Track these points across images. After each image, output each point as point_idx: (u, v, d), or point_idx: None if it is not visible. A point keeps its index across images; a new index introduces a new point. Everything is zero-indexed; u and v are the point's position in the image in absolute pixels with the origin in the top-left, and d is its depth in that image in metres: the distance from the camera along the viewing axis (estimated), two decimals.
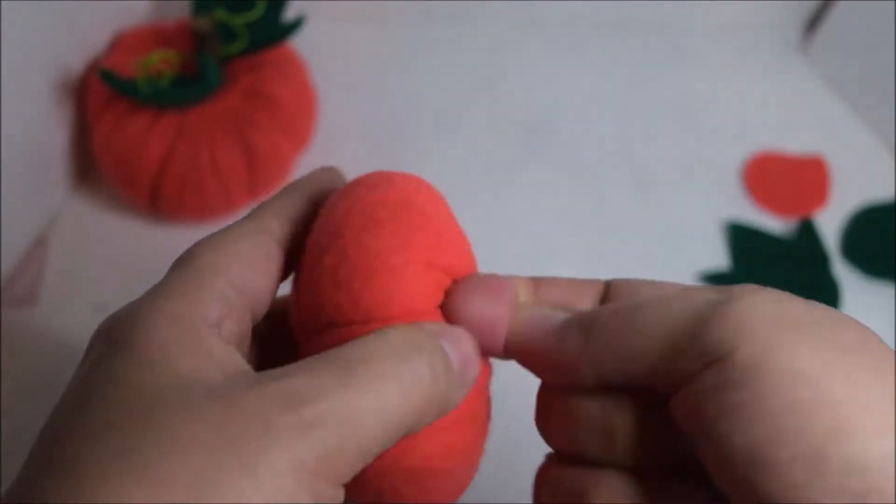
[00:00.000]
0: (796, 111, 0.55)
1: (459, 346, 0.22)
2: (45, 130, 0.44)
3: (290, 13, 0.45)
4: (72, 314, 0.43)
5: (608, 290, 0.24)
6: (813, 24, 0.58)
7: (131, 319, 0.20)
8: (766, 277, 0.46)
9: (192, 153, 0.42)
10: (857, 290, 0.47)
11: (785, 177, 0.51)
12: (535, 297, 0.24)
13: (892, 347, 0.19)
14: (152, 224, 0.47)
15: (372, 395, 0.19)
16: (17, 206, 0.42)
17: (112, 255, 0.45)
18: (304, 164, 0.48)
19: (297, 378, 0.18)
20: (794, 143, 0.53)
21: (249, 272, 0.22)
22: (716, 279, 0.46)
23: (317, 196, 0.25)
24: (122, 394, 0.18)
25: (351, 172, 0.49)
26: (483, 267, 0.24)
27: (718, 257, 0.48)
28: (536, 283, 0.25)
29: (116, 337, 0.20)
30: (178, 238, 0.46)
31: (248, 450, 0.17)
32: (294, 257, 0.24)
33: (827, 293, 0.46)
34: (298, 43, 0.47)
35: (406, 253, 0.22)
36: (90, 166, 0.48)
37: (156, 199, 0.44)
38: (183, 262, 0.22)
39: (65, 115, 0.45)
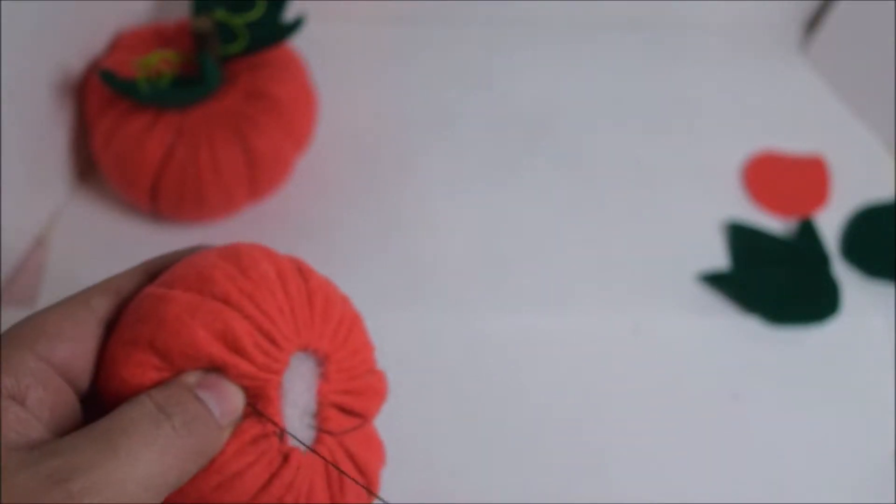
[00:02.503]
0: (796, 111, 0.55)
1: (218, 391, 0.23)
2: (45, 130, 0.44)
3: (290, 13, 0.45)
4: None
5: None
6: (813, 24, 0.58)
7: None
8: (766, 277, 0.46)
9: (192, 153, 0.42)
10: (857, 290, 0.47)
11: (785, 177, 0.51)
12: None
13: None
14: (152, 224, 0.47)
15: (132, 463, 0.21)
16: (17, 206, 0.42)
17: (112, 255, 0.45)
18: (305, 164, 0.48)
19: (65, 455, 0.20)
20: (794, 143, 0.53)
21: (60, 344, 0.23)
22: (716, 279, 0.46)
23: (158, 271, 0.27)
24: None
25: (351, 172, 0.50)
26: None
27: (718, 257, 0.48)
28: None
29: None
30: (178, 238, 0.46)
31: None
32: None
33: (827, 293, 0.46)
34: (298, 43, 0.47)
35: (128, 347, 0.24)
36: (90, 166, 0.48)
37: (156, 199, 0.44)
38: None
39: (65, 115, 0.45)
